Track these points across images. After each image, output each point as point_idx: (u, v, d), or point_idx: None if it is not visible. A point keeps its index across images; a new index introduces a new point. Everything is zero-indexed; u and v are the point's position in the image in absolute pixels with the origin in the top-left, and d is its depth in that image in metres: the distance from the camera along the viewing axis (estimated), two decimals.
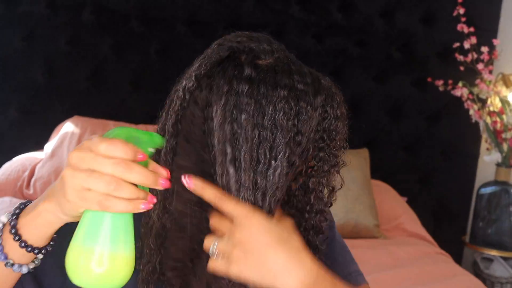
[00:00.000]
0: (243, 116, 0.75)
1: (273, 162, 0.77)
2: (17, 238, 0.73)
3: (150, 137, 0.72)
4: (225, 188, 0.76)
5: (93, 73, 2.83)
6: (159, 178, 0.68)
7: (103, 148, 0.65)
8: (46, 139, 2.71)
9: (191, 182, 0.76)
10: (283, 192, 0.80)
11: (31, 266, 0.77)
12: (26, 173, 2.46)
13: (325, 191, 0.89)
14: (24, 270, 0.76)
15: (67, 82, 2.81)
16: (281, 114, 0.76)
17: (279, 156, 0.77)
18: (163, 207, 0.80)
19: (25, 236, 0.74)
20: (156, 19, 2.86)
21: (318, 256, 0.89)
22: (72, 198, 0.66)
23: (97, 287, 0.69)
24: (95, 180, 0.64)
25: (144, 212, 0.70)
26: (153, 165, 0.71)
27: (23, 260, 0.75)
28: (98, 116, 2.76)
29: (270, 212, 0.78)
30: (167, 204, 0.80)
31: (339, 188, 0.91)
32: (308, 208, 0.88)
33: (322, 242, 0.92)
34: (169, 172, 0.72)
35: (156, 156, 0.80)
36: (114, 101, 2.87)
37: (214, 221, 0.78)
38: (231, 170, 0.76)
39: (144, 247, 0.83)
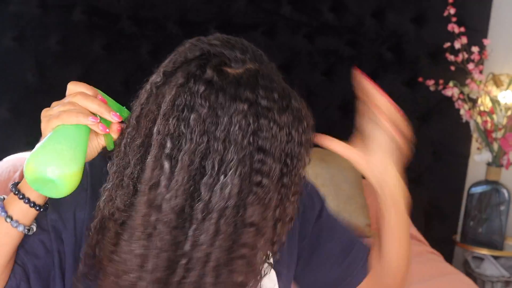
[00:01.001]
0: (192, 116, 0.72)
1: (222, 177, 0.72)
2: (20, 196, 0.81)
3: (119, 108, 0.89)
4: (154, 182, 0.73)
5: (84, 73, 2.82)
6: (112, 113, 0.83)
7: (71, 86, 0.85)
8: (37, 139, 2.67)
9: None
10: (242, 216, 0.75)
11: (26, 229, 0.82)
12: (17, 174, 2.45)
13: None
14: (20, 228, 0.81)
15: (58, 82, 2.78)
16: (236, 128, 0.72)
17: (229, 172, 0.72)
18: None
19: (27, 194, 0.82)
20: (148, 19, 2.85)
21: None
22: (42, 126, 0.82)
23: (43, 190, 0.77)
24: (58, 105, 0.81)
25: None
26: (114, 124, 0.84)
27: (22, 219, 0.82)
28: None
29: (217, 233, 0.73)
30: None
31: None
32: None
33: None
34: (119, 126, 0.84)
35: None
36: None
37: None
38: (166, 166, 0.73)
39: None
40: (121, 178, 0.79)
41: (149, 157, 0.74)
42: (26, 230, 0.82)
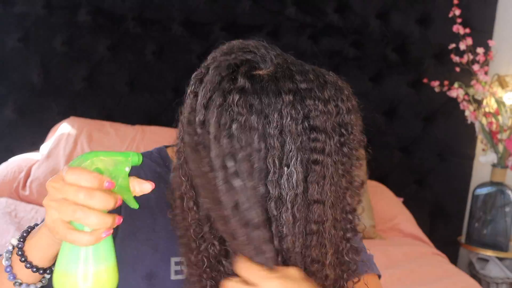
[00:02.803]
0: (234, 126, 0.74)
1: (285, 169, 0.75)
2: (23, 259, 0.79)
3: (125, 157, 0.74)
4: (235, 204, 0.74)
5: (89, 74, 2.83)
6: (119, 200, 0.71)
7: (69, 178, 0.68)
8: (42, 140, 2.70)
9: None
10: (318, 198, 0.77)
11: (39, 285, 0.82)
12: (22, 174, 2.46)
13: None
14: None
15: (63, 83, 2.81)
16: (288, 119, 0.74)
17: (291, 162, 0.75)
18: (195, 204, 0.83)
19: (30, 258, 0.80)
20: (152, 19, 2.85)
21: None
22: (49, 225, 0.71)
23: None
24: (63, 208, 0.68)
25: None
26: (134, 180, 0.74)
27: (31, 280, 0.81)
28: (94, 116, 2.76)
29: (294, 220, 0.76)
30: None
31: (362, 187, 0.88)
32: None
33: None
34: (154, 185, 0.75)
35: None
36: (110, 102, 2.87)
37: (239, 268, 0.77)
38: (237, 184, 0.74)
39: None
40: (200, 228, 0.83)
41: (217, 182, 0.75)
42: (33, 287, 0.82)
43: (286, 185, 0.75)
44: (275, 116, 0.74)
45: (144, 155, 1.00)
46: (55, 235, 0.70)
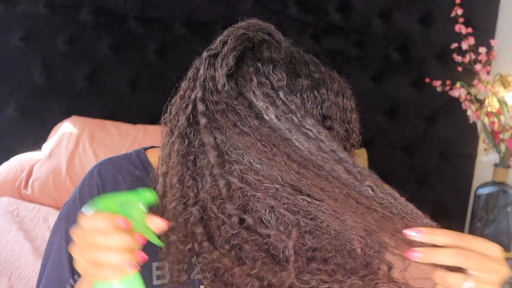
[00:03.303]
0: (280, 93, 0.76)
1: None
2: None
3: (138, 195, 0.76)
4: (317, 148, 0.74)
5: (91, 73, 2.83)
6: (139, 238, 0.71)
7: (85, 224, 0.72)
8: (44, 139, 2.71)
9: (415, 254, 0.72)
10: None
11: None
12: (24, 173, 2.46)
13: None
14: None
15: (65, 82, 2.81)
16: (309, 103, 0.76)
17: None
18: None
19: None
20: (154, 19, 2.85)
21: None
22: (81, 272, 0.74)
23: None
24: (85, 251, 0.71)
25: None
26: (149, 218, 0.74)
27: None
28: (96, 116, 2.76)
29: None
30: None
31: None
32: None
33: None
34: (167, 222, 0.74)
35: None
36: (112, 101, 2.87)
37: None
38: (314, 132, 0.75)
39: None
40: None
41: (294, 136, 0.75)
42: None
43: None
44: (298, 96, 0.76)
45: (122, 157, 0.99)
46: (88, 277, 0.72)
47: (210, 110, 0.80)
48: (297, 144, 0.74)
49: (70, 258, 0.91)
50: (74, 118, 2.69)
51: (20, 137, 2.82)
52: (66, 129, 2.60)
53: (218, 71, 0.79)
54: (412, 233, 0.71)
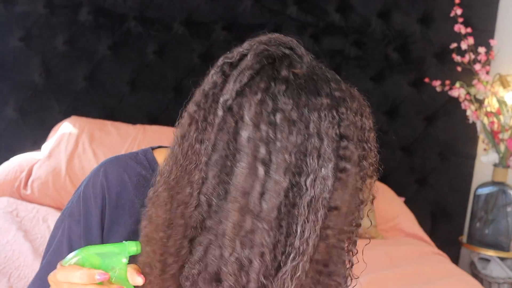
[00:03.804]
0: (279, 116, 0.73)
1: (322, 170, 0.74)
2: None
3: (122, 248, 0.76)
4: (248, 189, 0.73)
5: (91, 73, 2.83)
6: None
7: (60, 276, 0.73)
8: (43, 139, 2.70)
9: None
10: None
11: None
12: (24, 174, 2.46)
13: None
14: None
15: (65, 82, 2.81)
16: (327, 122, 0.74)
17: (329, 165, 0.74)
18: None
19: None
20: (154, 19, 2.85)
21: None
22: None
23: None
24: None
25: None
26: (130, 272, 0.75)
27: None
28: (96, 116, 2.76)
29: (314, 223, 0.74)
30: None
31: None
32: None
33: None
34: (145, 279, 0.75)
35: None
36: (111, 101, 2.87)
37: None
38: (261, 171, 0.73)
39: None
40: (194, 197, 0.78)
41: (239, 165, 0.74)
42: None
43: (320, 187, 0.73)
44: (315, 115, 0.74)
45: (129, 156, 0.98)
46: None
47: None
48: (236, 171, 0.74)
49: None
50: (73, 118, 2.69)
51: (20, 137, 2.82)
52: (66, 129, 2.60)
53: (230, 84, 0.77)
54: None
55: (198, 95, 0.80)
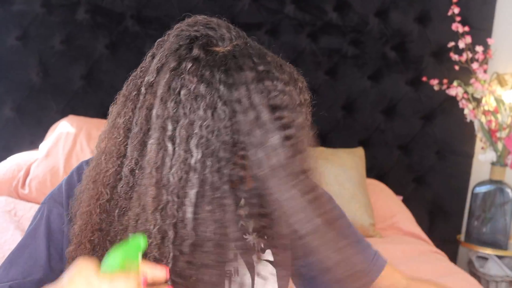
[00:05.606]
0: (182, 93, 0.76)
1: (269, 141, 0.75)
2: None
3: (137, 244, 0.76)
4: (160, 164, 0.76)
5: (88, 72, 2.83)
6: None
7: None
8: (41, 138, 2.70)
9: None
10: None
11: None
12: (21, 173, 2.46)
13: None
14: None
15: (62, 81, 2.81)
16: (257, 95, 0.75)
17: (275, 135, 0.75)
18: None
19: None
20: (151, 18, 2.85)
21: None
22: None
23: None
24: None
25: None
26: (145, 267, 0.74)
27: None
28: (93, 115, 2.76)
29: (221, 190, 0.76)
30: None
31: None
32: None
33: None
34: (168, 269, 0.75)
35: None
36: (109, 100, 2.84)
37: None
38: (169, 147, 0.76)
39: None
40: (118, 170, 0.83)
41: (150, 141, 0.78)
42: None
43: (263, 157, 0.75)
44: (242, 90, 0.75)
45: (66, 182, 1.03)
46: None
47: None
48: (149, 148, 0.78)
49: (48, 241, 0.96)
50: (71, 117, 2.69)
51: (17, 137, 2.82)
52: (63, 128, 2.60)
53: (152, 64, 0.85)
54: None
55: (133, 75, 0.90)
